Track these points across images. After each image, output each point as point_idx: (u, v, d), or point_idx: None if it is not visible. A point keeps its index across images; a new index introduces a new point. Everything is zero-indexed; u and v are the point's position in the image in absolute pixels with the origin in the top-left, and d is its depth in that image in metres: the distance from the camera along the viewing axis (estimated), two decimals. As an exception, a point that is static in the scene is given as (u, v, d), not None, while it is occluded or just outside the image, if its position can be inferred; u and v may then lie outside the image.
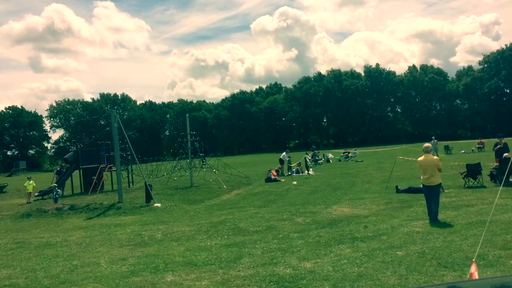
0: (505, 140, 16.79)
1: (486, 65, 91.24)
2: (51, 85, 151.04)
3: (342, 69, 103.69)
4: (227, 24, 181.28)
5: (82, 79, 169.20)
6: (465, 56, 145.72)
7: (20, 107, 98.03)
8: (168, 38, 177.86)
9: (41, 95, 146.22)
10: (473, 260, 5.12)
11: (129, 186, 24.11)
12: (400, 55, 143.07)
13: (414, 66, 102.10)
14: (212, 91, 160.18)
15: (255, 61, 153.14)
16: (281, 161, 27.42)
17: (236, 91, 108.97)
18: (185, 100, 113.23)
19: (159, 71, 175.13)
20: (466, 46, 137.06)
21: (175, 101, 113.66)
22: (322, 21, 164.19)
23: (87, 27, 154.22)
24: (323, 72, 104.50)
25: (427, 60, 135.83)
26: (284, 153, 28.41)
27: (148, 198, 17.21)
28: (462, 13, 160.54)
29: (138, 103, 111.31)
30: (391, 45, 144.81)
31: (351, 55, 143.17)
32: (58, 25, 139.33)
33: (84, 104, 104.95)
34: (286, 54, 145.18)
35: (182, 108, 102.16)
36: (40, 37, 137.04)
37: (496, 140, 17.28)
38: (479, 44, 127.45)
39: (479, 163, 15.39)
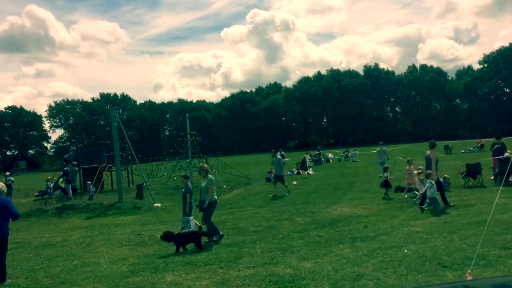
0: (503, 139, 16.81)
1: (486, 65, 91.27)
2: (32, 91, 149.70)
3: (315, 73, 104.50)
4: (201, 24, 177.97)
5: (64, 82, 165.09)
6: (428, 61, 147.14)
7: (19, 107, 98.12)
8: (142, 39, 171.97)
9: (29, 99, 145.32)
10: (469, 271, 5.14)
11: (129, 186, 24.10)
12: (377, 59, 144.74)
13: (414, 65, 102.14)
14: (197, 93, 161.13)
15: (232, 65, 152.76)
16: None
17: (218, 91, 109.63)
18: (185, 100, 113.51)
19: (140, 73, 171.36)
20: (430, 51, 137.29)
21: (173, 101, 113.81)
22: (297, 23, 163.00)
23: (61, 31, 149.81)
24: (295, 76, 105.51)
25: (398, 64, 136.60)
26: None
27: (140, 195, 17.36)
28: (434, 14, 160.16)
29: (137, 103, 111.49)
30: (366, 48, 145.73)
31: (329, 58, 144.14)
32: (32, 30, 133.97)
33: (83, 104, 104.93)
34: (260, 57, 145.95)
35: (182, 108, 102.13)
36: (16, 43, 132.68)
37: (494, 139, 17.30)
38: (445, 49, 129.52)
39: (479, 162, 15.40)
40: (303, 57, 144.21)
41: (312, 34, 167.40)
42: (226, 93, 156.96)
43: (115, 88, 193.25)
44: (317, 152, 36.07)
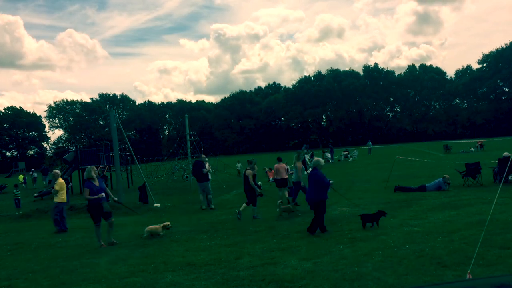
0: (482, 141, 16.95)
1: (485, 64, 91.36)
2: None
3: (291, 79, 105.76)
4: (157, 24, 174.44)
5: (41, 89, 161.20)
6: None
7: (18, 107, 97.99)
8: (100, 41, 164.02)
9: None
10: (469, 272, 5.14)
11: (128, 187, 24.11)
12: (351, 64, 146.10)
13: (413, 65, 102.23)
14: (174, 95, 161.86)
15: (197, 70, 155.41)
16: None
17: (192, 94, 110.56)
18: (184, 100, 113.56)
19: (108, 76, 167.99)
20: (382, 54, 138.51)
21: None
22: (259, 30, 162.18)
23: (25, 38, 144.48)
24: (260, 83, 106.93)
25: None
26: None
27: (145, 198, 17.20)
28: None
29: (137, 103, 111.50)
30: (335, 52, 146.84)
31: (298, 61, 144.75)
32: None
33: (83, 105, 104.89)
34: (226, 63, 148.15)
35: (181, 108, 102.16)
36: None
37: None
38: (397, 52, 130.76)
39: (478, 162, 15.40)
40: (267, 62, 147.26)
41: (276, 39, 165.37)
42: (203, 96, 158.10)
43: (87, 91, 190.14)
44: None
